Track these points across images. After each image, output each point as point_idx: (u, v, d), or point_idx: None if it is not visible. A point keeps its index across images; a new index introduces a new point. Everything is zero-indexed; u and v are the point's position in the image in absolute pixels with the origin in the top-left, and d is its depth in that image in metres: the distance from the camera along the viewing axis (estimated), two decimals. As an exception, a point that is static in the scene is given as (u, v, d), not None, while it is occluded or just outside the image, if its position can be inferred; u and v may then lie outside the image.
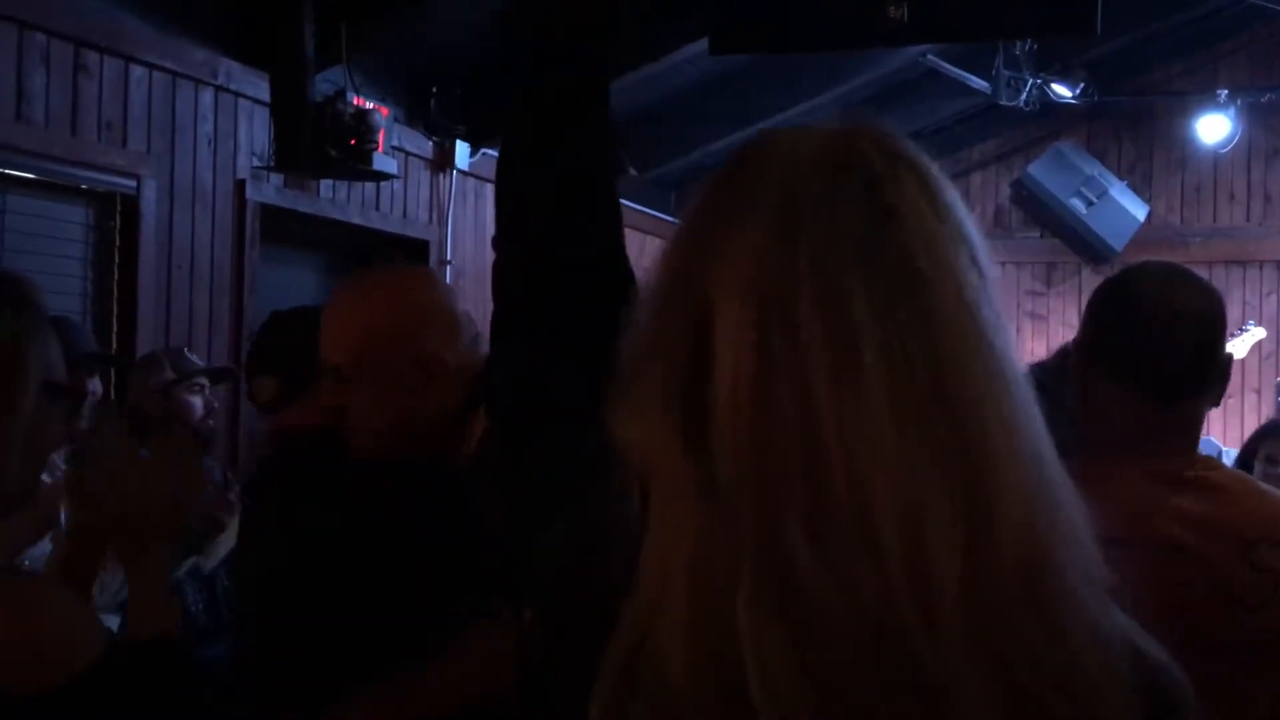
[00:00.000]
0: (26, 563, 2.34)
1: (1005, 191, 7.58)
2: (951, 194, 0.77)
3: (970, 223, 0.76)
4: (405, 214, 4.90)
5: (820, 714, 0.67)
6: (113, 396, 3.44)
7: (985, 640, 0.68)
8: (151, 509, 1.34)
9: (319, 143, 3.64)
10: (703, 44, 4.21)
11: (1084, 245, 7.19)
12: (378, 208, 4.72)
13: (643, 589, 0.72)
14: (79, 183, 3.48)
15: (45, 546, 2.37)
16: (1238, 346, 5.96)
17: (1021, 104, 6.23)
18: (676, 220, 0.82)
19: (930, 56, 5.81)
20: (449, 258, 5.12)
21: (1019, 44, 5.93)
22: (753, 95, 5.83)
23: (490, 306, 1.11)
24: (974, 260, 0.74)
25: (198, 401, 3.18)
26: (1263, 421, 7.15)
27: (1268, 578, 1.43)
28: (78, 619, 1.17)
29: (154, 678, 1.19)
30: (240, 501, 2.33)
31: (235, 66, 3.91)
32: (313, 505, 1.98)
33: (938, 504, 0.68)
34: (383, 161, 3.80)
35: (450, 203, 5.13)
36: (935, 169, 0.78)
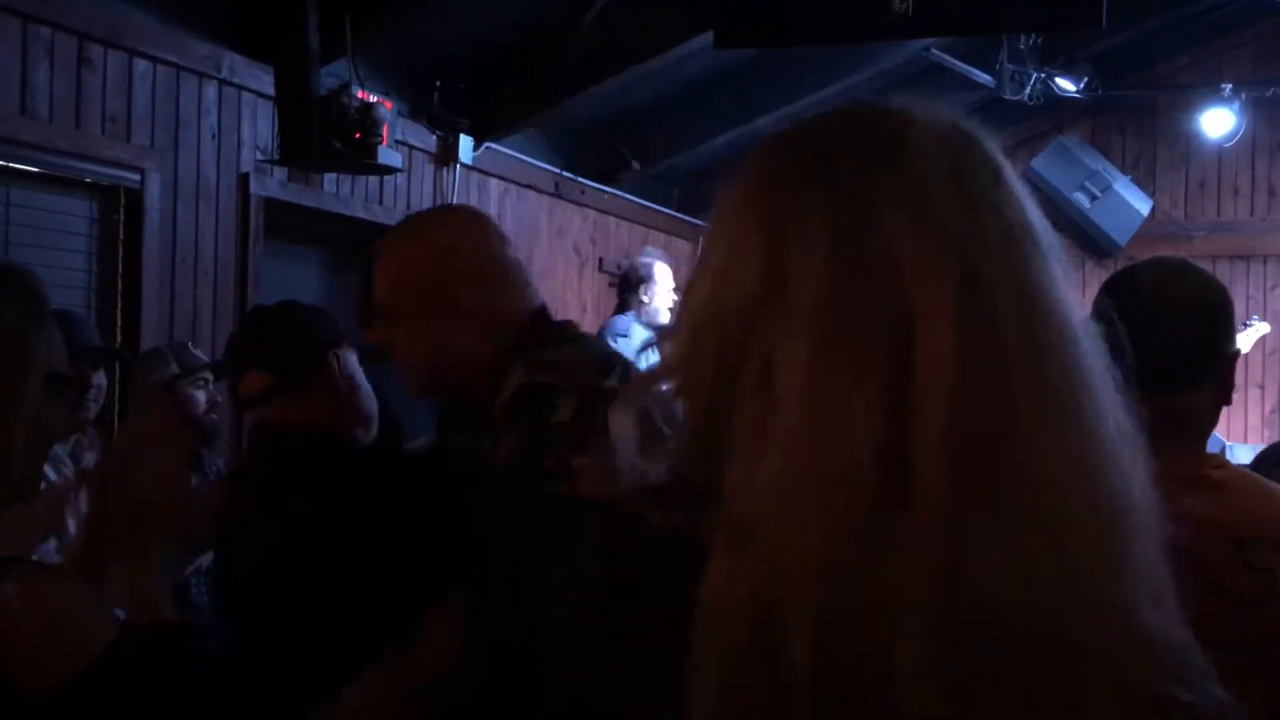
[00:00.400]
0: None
1: (1009, 186, 7.57)
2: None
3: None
4: (409, 208, 4.90)
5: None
6: (116, 390, 3.44)
7: (1109, 628, 0.71)
8: (153, 503, 1.34)
9: (324, 136, 3.64)
10: (705, 39, 4.21)
11: (1087, 240, 7.19)
12: (381, 202, 4.72)
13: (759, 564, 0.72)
14: (83, 176, 3.48)
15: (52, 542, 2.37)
16: (1241, 341, 5.96)
17: (1025, 98, 6.23)
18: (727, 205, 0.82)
19: (934, 50, 5.81)
20: (452, 252, 5.12)
21: (1023, 38, 5.92)
22: (755, 90, 5.83)
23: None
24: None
25: (201, 396, 3.19)
26: (1266, 412, 7.16)
27: (1265, 577, 1.42)
28: (91, 610, 1.18)
29: (166, 666, 1.19)
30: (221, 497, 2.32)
31: (239, 60, 3.92)
32: (305, 502, 2.00)
33: (1097, 500, 0.71)
34: (387, 155, 3.80)
35: (453, 197, 5.13)
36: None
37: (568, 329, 1.81)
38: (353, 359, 2.17)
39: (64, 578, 1.23)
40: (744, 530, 0.71)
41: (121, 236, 3.61)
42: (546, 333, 1.76)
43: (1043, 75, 6.24)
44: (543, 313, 1.79)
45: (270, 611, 1.94)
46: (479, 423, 1.74)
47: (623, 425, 0.81)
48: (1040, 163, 7.13)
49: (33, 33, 3.23)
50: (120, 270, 3.60)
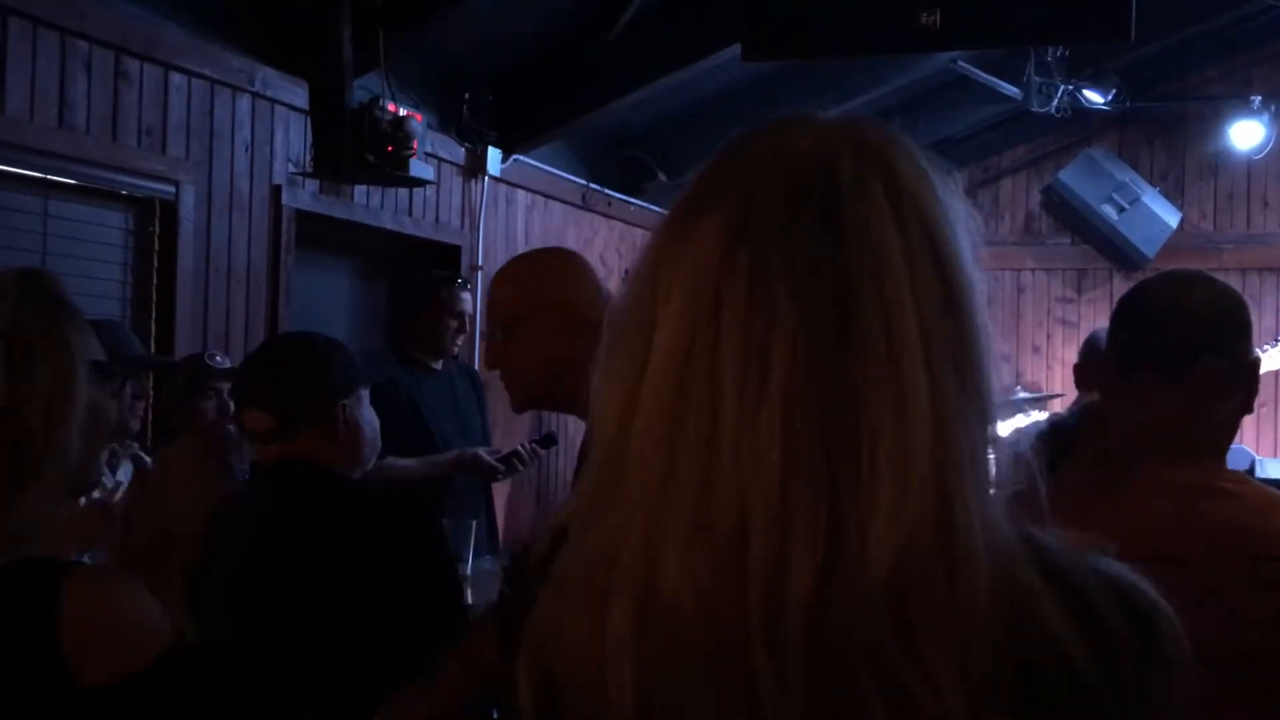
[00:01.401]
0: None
1: (1036, 198, 7.54)
2: (936, 218, 0.74)
3: (953, 247, 0.73)
4: (437, 220, 4.94)
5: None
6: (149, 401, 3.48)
7: (833, 659, 0.68)
8: (171, 524, 1.36)
9: (357, 149, 3.68)
10: (733, 50, 4.23)
11: (1116, 252, 7.15)
12: (410, 214, 4.76)
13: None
14: (119, 188, 3.53)
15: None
16: (1273, 358, 5.90)
17: (1053, 110, 6.21)
18: None
19: (961, 63, 5.81)
20: (480, 263, 5.16)
21: (1050, 50, 5.91)
22: (782, 101, 5.84)
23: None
24: (941, 285, 0.72)
25: (210, 405, 3.17)
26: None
27: (1276, 595, 1.39)
28: (152, 614, 1.20)
29: (215, 676, 1.22)
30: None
31: (272, 74, 3.96)
32: (300, 527, 2.04)
33: (805, 526, 0.68)
34: (419, 168, 3.83)
35: (482, 208, 5.17)
36: (927, 181, 0.75)
37: None
38: (364, 400, 2.19)
39: (129, 581, 1.25)
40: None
41: (156, 248, 3.65)
42: None
43: (1070, 87, 6.22)
44: None
45: (258, 632, 1.97)
46: None
47: None
48: (1068, 175, 7.10)
49: (71, 46, 3.29)
50: (155, 281, 3.65)
